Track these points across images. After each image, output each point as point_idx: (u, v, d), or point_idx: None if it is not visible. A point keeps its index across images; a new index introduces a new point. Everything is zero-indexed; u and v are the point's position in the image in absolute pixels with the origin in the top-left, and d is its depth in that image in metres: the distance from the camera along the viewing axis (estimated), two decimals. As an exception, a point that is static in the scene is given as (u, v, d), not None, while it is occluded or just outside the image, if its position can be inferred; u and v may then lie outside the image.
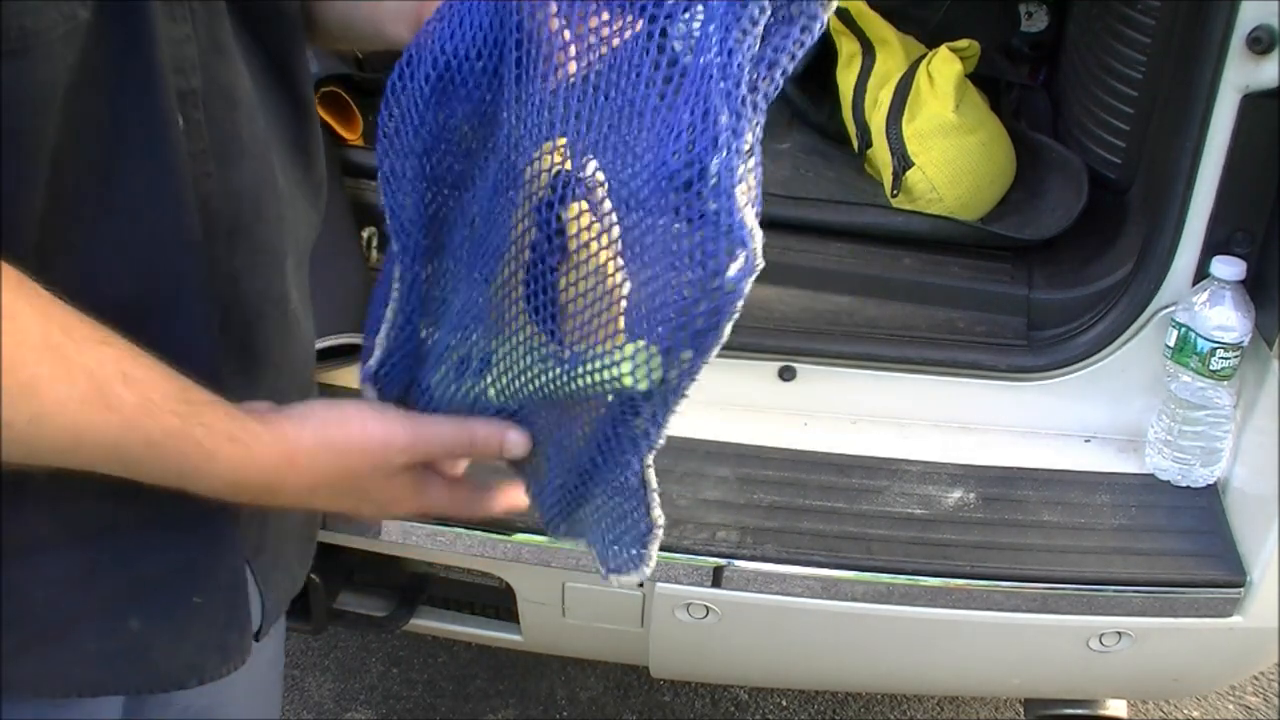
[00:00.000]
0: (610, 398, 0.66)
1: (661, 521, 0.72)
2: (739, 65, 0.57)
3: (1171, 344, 1.44)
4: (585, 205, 0.65)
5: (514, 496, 0.81)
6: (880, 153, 1.80)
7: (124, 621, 0.73)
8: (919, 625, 1.40)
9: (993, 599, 1.38)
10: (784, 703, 2.07)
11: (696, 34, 0.58)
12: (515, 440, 0.74)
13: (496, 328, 0.73)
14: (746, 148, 0.58)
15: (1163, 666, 1.51)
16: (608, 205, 0.64)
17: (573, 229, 0.65)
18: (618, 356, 0.64)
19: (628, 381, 0.63)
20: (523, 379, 0.72)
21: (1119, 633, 1.40)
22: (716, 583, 1.38)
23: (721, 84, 0.57)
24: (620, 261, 0.64)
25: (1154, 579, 1.38)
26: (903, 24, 1.93)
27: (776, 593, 1.39)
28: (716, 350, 0.62)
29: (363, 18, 0.84)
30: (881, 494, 1.47)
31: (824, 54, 2.02)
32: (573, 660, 2.08)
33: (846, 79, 1.89)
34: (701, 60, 0.58)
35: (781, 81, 0.59)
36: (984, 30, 1.94)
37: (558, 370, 0.69)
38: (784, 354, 1.56)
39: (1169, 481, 1.48)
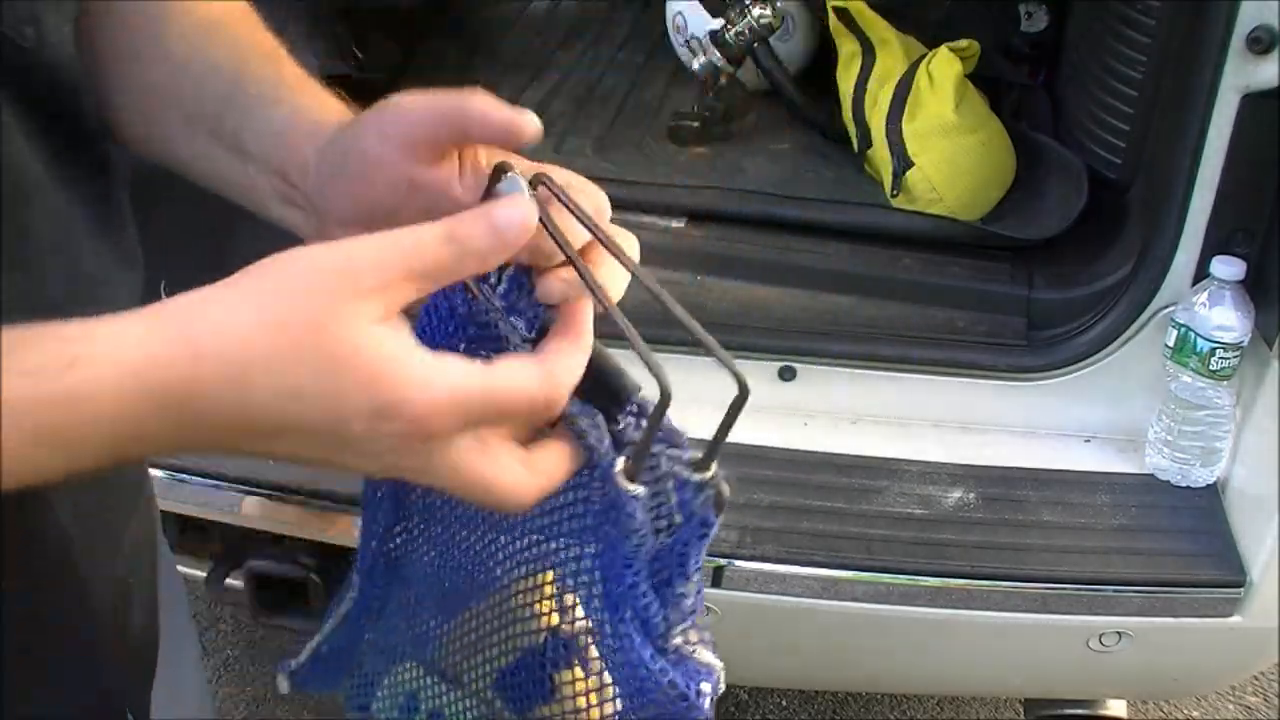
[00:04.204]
0: None
1: None
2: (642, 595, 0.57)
3: (1171, 344, 1.44)
4: (580, 672, 0.63)
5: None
6: (880, 153, 1.80)
7: None
8: (919, 625, 1.40)
9: (993, 599, 1.38)
10: (784, 703, 2.07)
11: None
12: (507, 215, 0.51)
13: (450, 680, 0.68)
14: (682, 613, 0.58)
15: (1163, 666, 1.51)
16: (598, 666, 0.63)
17: (567, 691, 0.63)
18: None
19: None
20: None
21: (1119, 633, 1.40)
22: (716, 583, 1.38)
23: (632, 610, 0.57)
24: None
25: (1154, 579, 1.38)
26: (903, 24, 1.93)
27: (776, 593, 1.39)
28: None
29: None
30: (881, 494, 1.47)
31: (824, 54, 2.02)
32: (573, 660, 2.07)
33: (846, 79, 1.89)
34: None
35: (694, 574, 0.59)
36: (984, 30, 1.94)
37: None
38: (784, 354, 1.56)
39: (1169, 481, 1.48)
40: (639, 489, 0.55)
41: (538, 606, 0.64)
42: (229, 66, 0.64)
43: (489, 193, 0.55)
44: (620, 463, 0.55)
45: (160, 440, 0.48)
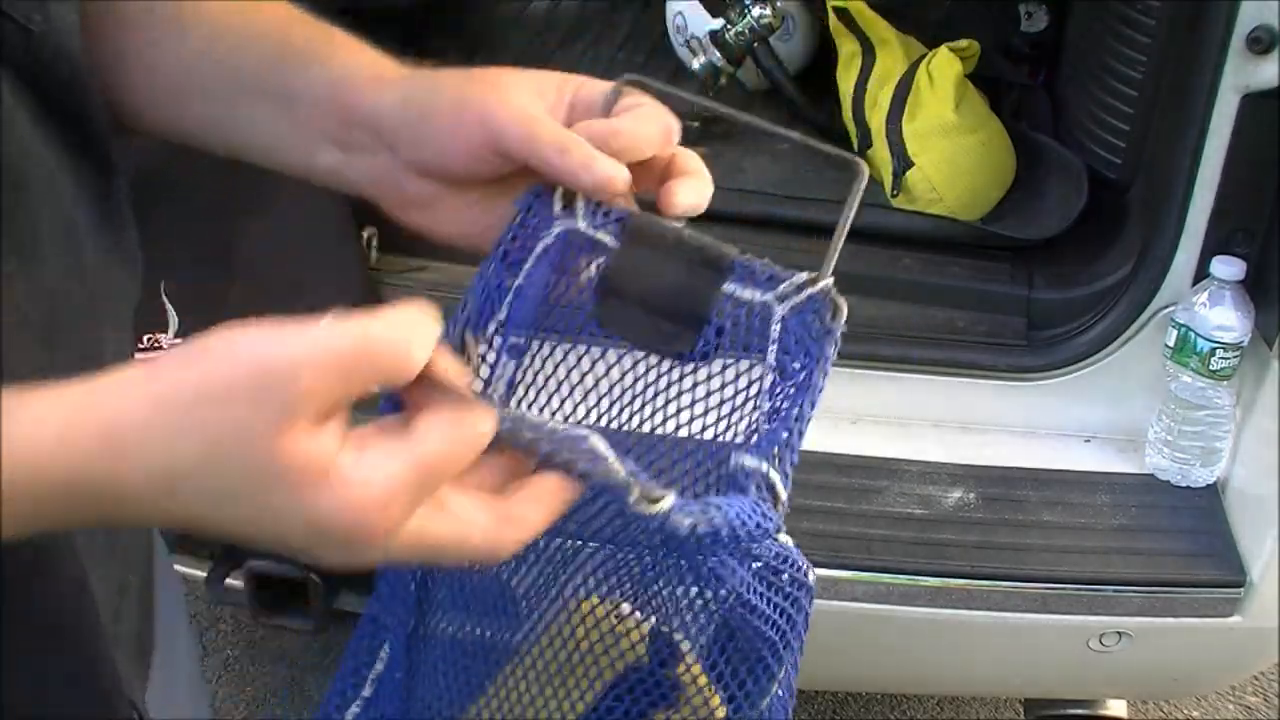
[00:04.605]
0: None
1: None
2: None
3: (1171, 344, 1.44)
4: (692, 659, 0.63)
5: (551, 489, 0.52)
6: (880, 153, 1.80)
7: None
8: (919, 625, 1.40)
9: (993, 599, 1.38)
10: (784, 703, 2.07)
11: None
12: (419, 346, 0.47)
13: None
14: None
15: (1163, 666, 1.51)
16: (688, 646, 0.63)
17: (692, 675, 0.63)
18: None
19: None
20: None
21: (1119, 633, 1.40)
22: (716, 583, 1.38)
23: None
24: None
25: (1154, 579, 1.38)
26: (903, 24, 1.93)
27: (776, 593, 1.38)
28: None
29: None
30: (881, 494, 1.47)
31: (824, 54, 2.02)
32: (573, 660, 2.07)
33: (846, 79, 1.89)
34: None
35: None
36: (984, 30, 1.94)
37: None
38: (784, 354, 1.56)
39: (1169, 481, 1.48)
40: (664, 504, 0.51)
41: (616, 627, 0.63)
42: (275, 31, 0.66)
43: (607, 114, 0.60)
44: (636, 491, 0.50)
45: (88, 520, 0.48)
